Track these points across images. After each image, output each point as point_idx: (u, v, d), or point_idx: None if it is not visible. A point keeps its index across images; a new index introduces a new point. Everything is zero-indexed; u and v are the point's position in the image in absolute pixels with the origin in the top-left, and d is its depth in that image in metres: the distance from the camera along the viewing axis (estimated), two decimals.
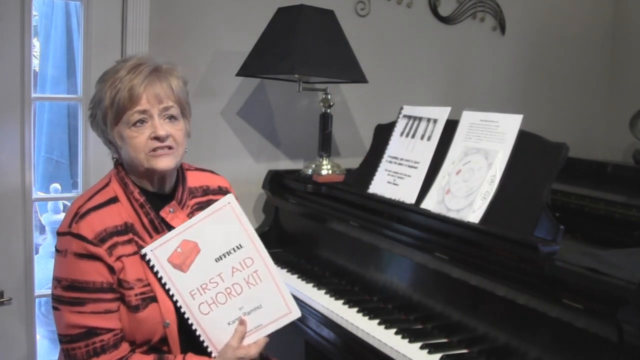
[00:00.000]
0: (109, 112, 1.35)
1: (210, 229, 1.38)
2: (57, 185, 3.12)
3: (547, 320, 1.32)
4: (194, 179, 1.52)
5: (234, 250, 1.38)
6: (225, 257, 1.38)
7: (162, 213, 1.41)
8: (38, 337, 2.43)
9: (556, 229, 1.41)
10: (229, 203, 1.39)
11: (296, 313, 1.40)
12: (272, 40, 2.23)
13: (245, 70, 2.27)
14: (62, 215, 3.21)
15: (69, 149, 3.15)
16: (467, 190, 1.63)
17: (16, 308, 2.19)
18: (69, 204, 3.27)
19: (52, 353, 2.97)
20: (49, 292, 2.55)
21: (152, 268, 1.35)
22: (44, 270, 2.93)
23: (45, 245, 3.24)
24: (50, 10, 3.04)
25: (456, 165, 1.71)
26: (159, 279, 1.36)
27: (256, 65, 2.25)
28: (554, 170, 1.50)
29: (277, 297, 1.39)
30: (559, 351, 1.30)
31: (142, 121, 1.34)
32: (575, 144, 1.67)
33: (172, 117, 1.38)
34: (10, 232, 2.16)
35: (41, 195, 2.99)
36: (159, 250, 1.35)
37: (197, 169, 1.58)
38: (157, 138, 1.34)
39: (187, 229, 1.37)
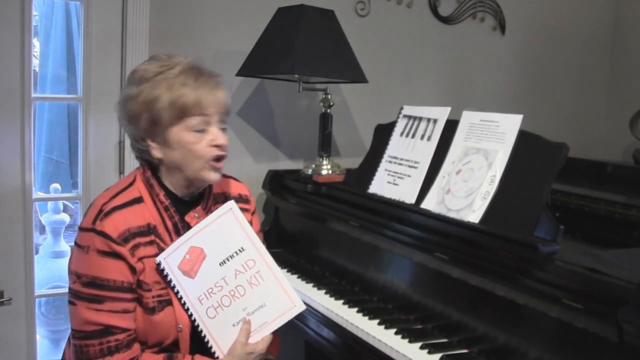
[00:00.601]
0: (165, 114, 1.33)
1: (214, 235, 1.40)
2: (57, 185, 3.12)
3: (547, 320, 1.32)
4: (216, 185, 1.52)
5: (237, 254, 1.41)
6: (228, 260, 1.40)
7: (187, 218, 1.42)
8: (38, 337, 2.43)
9: (556, 229, 1.41)
10: (230, 209, 1.42)
11: (300, 306, 1.41)
12: (272, 40, 2.23)
13: (245, 70, 2.27)
14: (62, 215, 3.22)
15: (69, 149, 3.15)
16: (467, 190, 1.63)
17: (16, 308, 2.19)
18: (69, 204, 3.29)
19: (52, 353, 2.97)
20: (49, 292, 2.57)
21: (165, 277, 1.37)
22: (44, 270, 2.94)
23: (45, 245, 3.24)
24: (50, 10, 3.04)
25: (456, 165, 1.71)
26: (172, 287, 1.37)
27: (256, 65, 2.25)
28: (554, 170, 1.50)
29: (280, 293, 1.41)
30: (559, 351, 1.30)
31: (203, 128, 1.35)
32: (575, 144, 1.67)
33: (224, 128, 1.40)
34: (10, 232, 2.16)
35: (41, 195, 2.99)
36: (171, 258, 1.37)
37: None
38: (218, 146, 1.36)
39: (194, 235, 1.40)
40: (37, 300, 2.29)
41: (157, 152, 1.38)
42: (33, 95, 2.16)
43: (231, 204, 1.43)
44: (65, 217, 3.24)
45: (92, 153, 2.27)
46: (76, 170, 2.59)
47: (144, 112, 1.35)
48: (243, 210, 1.52)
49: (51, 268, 3.00)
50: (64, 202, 3.28)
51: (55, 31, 3.01)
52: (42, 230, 3.38)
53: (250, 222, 1.53)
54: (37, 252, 2.99)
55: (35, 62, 2.97)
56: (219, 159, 1.38)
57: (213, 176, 1.38)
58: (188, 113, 1.33)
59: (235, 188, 1.57)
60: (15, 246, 2.17)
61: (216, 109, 1.37)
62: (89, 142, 2.26)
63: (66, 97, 3.03)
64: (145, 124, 1.35)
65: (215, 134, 1.36)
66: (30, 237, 2.20)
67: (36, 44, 3.00)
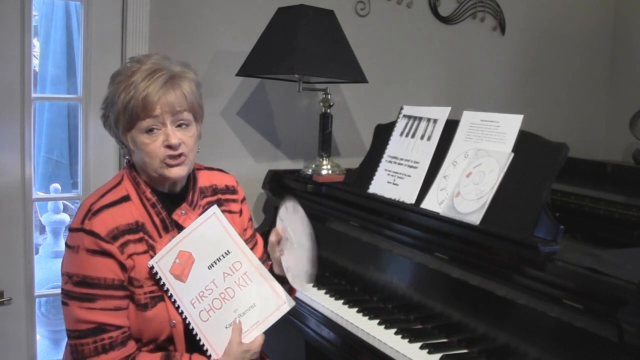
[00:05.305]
0: (122, 118, 1.35)
1: (200, 239, 1.42)
2: (57, 185, 3.11)
3: (547, 320, 1.32)
4: (204, 179, 1.54)
5: (223, 257, 1.43)
6: (216, 264, 1.43)
7: (174, 216, 1.43)
8: (38, 337, 2.43)
9: (556, 229, 1.41)
10: (214, 214, 1.45)
11: (290, 303, 1.44)
12: (272, 40, 2.23)
13: (245, 70, 2.27)
14: (62, 215, 3.21)
15: (69, 149, 3.15)
16: (478, 193, 1.62)
17: (16, 308, 2.19)
18: (69, 204, 3.28)
19: (52, 353, 2.97)
20: (49, 292, 2.57)
21: (159, 280, 1.38)
22: (44, 270, 2.93)
23: (45, 245, 3.24)
24: (50, 10, 3.04)
25: (467, 167, 1.70)
26: (166, 291, 1.38)
27: (256, 65, 2.25)
28: (554, 170, 1.50)
29: (269, 292, 1.44)
30: (559, 351, 1.30)
31: (155, 129, 1.35)
32: (575, 144, 1.67)
33: (183, 124, 1.38)
34: (10, 232, 2.16)
35: (41, 195, 2.99)
36: (162, 262, 1.38)
37: (206, 168, 1.59)
38: (169, 146, 1.35)
39: (182, 240, 1.41)
40: (37, 300, 2.29)
41: (129, 153, 1.42)
42: (33, 95, 2.16)
43: (214, 209, 1.45)
44: (65, 217, 3.23)
45: (92, 153, 2.27)
46: (76, 170, 2.59)
47: (110, 115, 1.39)
48: (231, 200, 1.55)
49: (51, 268, 3.00)
50: (64, 202, 3.28)
51: (55, 31, 3.01)
52: (42, 230, 3.37)
53: (241, 211, 1.56)
54: (37, 252, 2.99)
55: (35, 62, 2.96)
56: (173, 157, 1.36)
57: (174, 173, 1.37)
58: (138, 117, 1.34)
59: (222, 180, 1.58)
60: (15, 246, 2.17)
61: (166, 110, 1.34)
62: (89, 142, 2.26)
63: (66, 97, 3.03)
64: (114, 127, 1.39)
65: (167, 134, 1.35)
66: (30, 237, 2.20)
67: (36, 44, 3.00)
